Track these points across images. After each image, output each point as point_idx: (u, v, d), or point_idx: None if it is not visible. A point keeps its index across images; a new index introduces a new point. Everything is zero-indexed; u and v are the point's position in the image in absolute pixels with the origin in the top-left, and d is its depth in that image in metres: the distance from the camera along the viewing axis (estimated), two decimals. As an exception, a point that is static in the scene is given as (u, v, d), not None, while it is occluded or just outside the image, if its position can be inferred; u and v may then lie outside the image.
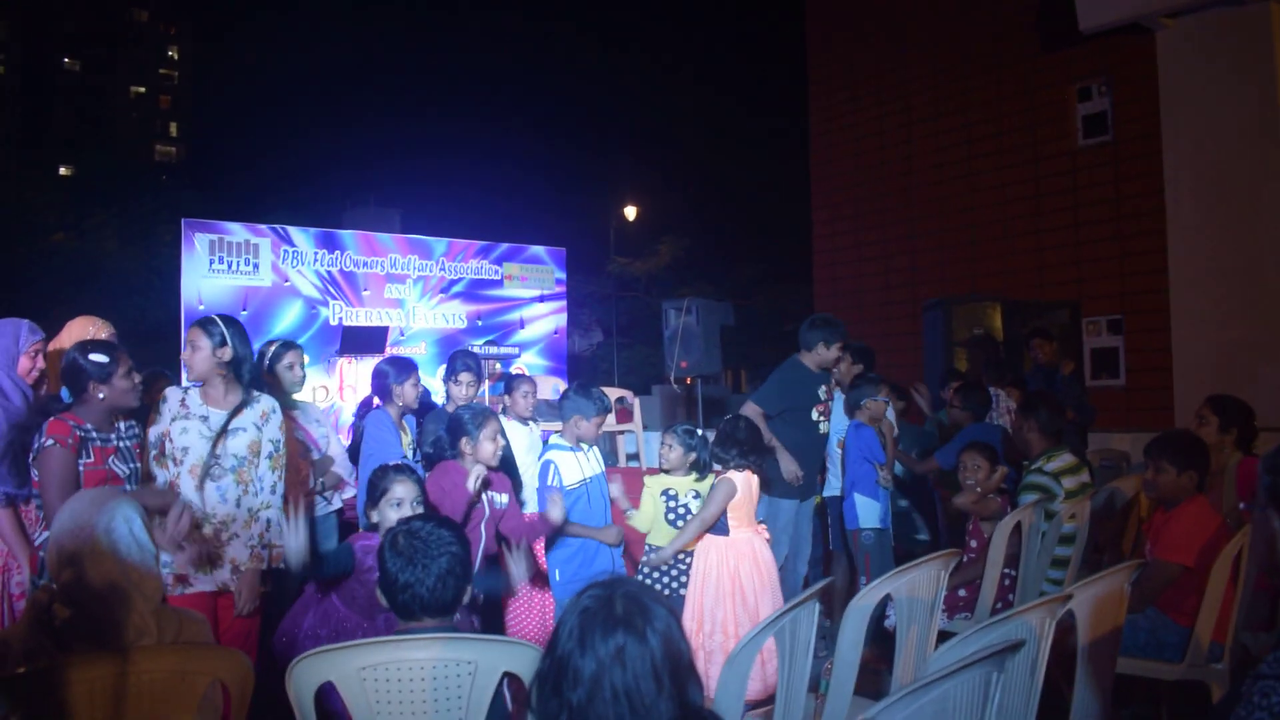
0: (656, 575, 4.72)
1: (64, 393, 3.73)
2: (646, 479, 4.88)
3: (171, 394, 3.76)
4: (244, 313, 9.39)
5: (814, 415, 5.61)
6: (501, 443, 4.16)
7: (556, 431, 4.99)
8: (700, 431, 4.97)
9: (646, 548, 4.80)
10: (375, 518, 3.67)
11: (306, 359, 5.05)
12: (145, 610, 2.40)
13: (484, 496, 4.13)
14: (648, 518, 4.76)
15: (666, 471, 4.82)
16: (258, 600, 3.77)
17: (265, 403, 3.91)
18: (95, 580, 2.36)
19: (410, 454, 4.86)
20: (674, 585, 4.69)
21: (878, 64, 15.32)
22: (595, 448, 4.84)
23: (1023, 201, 13.37)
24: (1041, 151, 13.21)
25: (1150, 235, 11.78)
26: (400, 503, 3.60)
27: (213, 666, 2.34)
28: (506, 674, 2.41)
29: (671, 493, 4.74)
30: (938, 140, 14.41)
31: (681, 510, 4.72)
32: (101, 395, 3.56)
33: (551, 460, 4.65)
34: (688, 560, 4.71)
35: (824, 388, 5.69)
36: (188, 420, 3.69)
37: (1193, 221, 11.17)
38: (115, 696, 2.19)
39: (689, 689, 1.72)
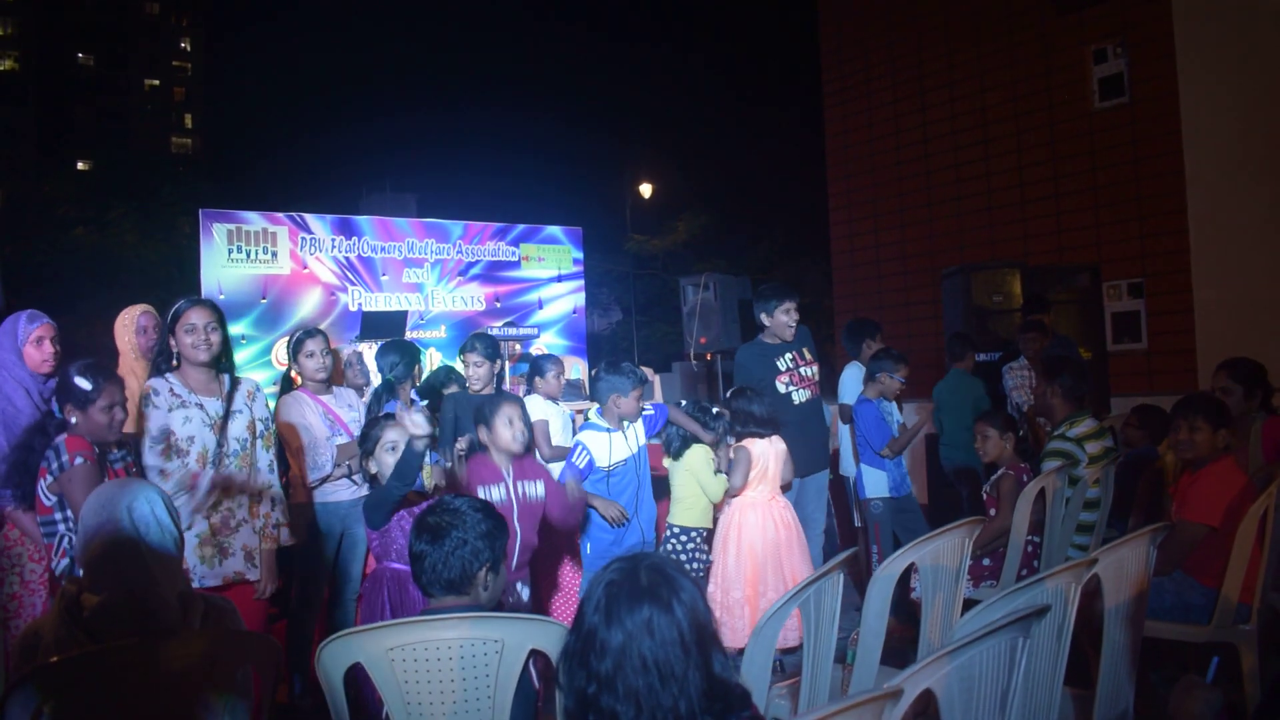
0: (679, 546, 4.74)
1: (54, 407, 3.56)
2: (693, 454, 4.88)
3: (158, 384, 3.61)
4: (263, 301, 9.45)
5: (780, 387, 5.45)
6: (520, 427, 3.98)
7: (580, 410, 5.00)
8: (715, 409, 5.00)
9: (669, 527, 4.83)
10: (373, 467, 3.70)
11: (329, 346, 5.04)
12: (171, 595, 2.42)
13: (511, 491, 3.98)
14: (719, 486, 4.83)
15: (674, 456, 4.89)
16: (278, 581, 3.79)
17: (248, 383, 3.89)
18: (123, 566, 2.38)
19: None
20: (698, 556, 4.72)
21: (891, 31, 15.18)
22: (637, 425, 4.73)
23: (1040, 166, 13.26)
24: (1058, 115, 13.08)
25: (1169, 197, 11.66)
26: (394, 446, 3.66)
27: (243, 651, 2.36)
28: (533, 652, 2.43)
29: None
30: (953, 106, 14.28)
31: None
32: (74, 420, 3.41)
33: (582, 442, 4.58)
34: (700, 536, 4.78)
35: (790, 355, 5.51)
36: (186, 409, 3.60)
37: (1212, 182, 11.05)
38: (146, 684, 2.21)
39: (714, 658, 1.74)
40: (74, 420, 3.41)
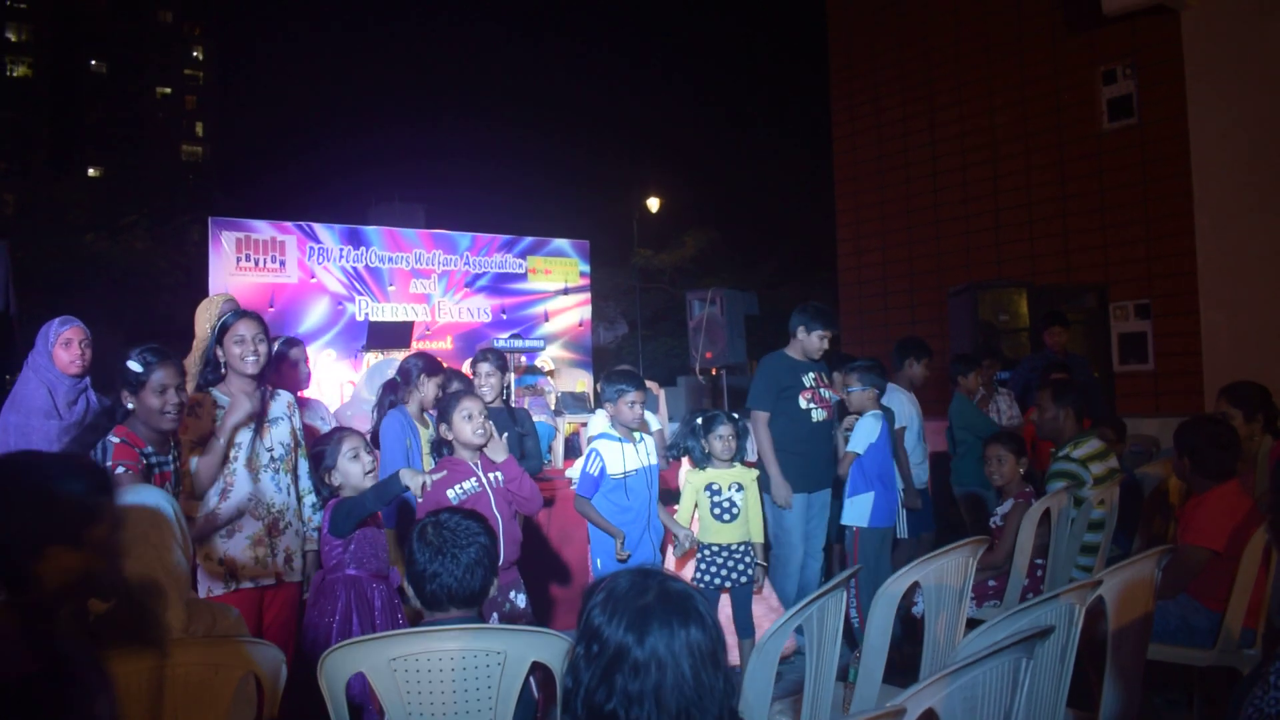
0: (716, 567, 4.70)
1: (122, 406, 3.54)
2: (689, 475, 4.86)
3: (207, 397, 3.69)
4: (270, 309, 9.48)
5: (802, 403, 5.46)
6: (480, 421, 4.02)
7: (583, 424, 5.02)
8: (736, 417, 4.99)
9: (700, 545, 4.78)
10: (338, 479, 3.80)
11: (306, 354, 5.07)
12: (178, 602, 2.42)
13: (483, 479, 4.03)
14: (687, 514, 4.78)
15: (697, 464, 4.82)
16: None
17: (285, 395, 3.97)
18: (129, 572, 2.39)
19: (428, 448, 4.88)
20: (733, 576, 4.70)
21: (900, 49, 15.22)
22: (649, 441, 4.79)
23: (1048, 186, 13.26)
24: (1066, 135, 13.08)
25: (1178, 218, 11.66)
26: (356, 452, 3.82)
27: (246, 659, 2.37)
28: (534, 664, 2.43)
29: (715, 486, 4.73)
30: (962, 125, 14.30)
31: (726, 504, 4.71)
32: (130, 405, 3.38)
33: (596, 449, 4.65)
34: (750, 554, 4.75)
35: (813, 374, 5.55)
36: None
37: (1221, 204, 11.05)
38: (151, 690, 2.22)
39: (730, 676, 1.75)
40: (130, 405, 3.37)
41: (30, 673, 1.73)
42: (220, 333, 3.70)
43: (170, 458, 3.47)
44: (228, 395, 3.69)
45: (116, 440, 3.29)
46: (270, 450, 3.75)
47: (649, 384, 10.56)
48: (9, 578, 1.83)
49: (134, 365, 3.34)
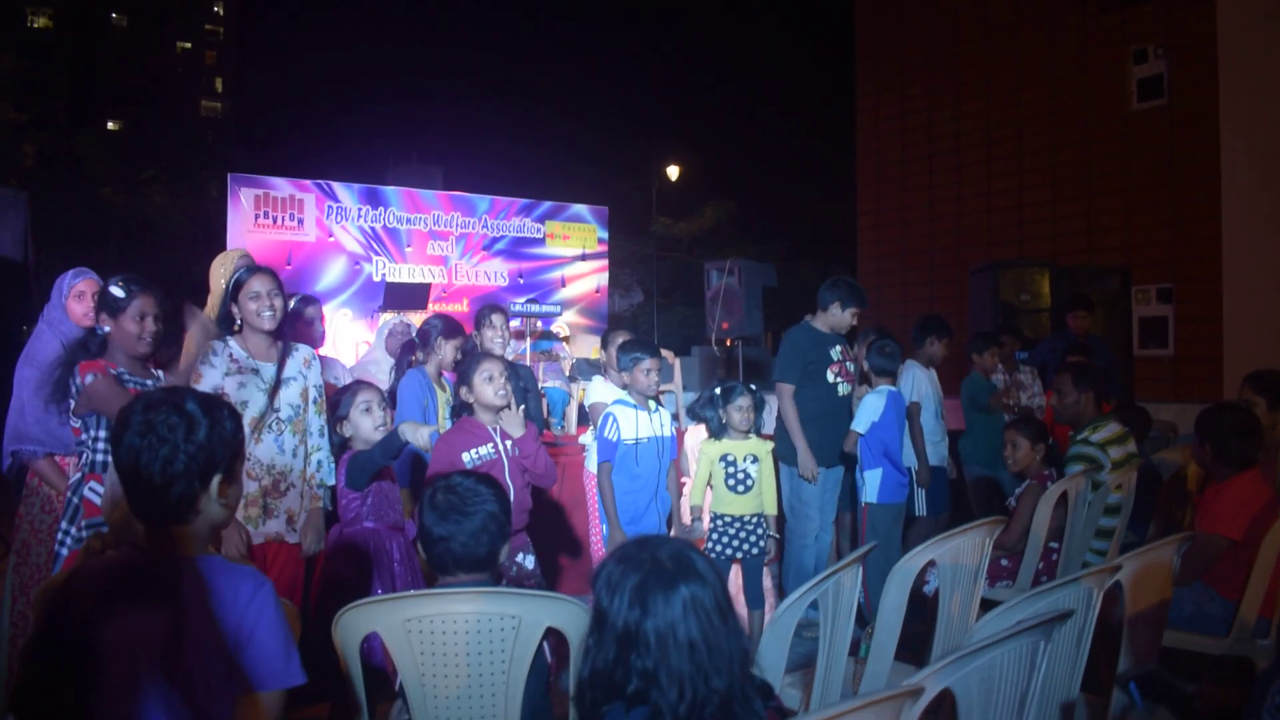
0: (728, 538, 4.71)
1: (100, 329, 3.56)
2: (704, 445, 4.85)
3: (220, 347, 3.64)
4: (288, 267, 9.49)
5: (830, 376, 5.45)
6: (501, 383, 3.89)
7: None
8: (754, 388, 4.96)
9: (711, 515, 4.79)
10: (348, 430, 3.86)
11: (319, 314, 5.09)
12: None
13: (500, 446, 3.91)
14: (702, 483, 4.78)
15: (714, 435, 4.80)
16: (323, 541, 3.81)
17: (304, 350, 3.91)
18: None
19: (445, 411, 4.86)
20: (744, 547, 4.70)
21: (928, 24, 15.05)
22: (664, 414, 4.79)
23: (1073, 165, 13.13)
24: (1094, 114, 12.94)
25: (1204, 202, 11.53)
26: (369, 406, 3.86)
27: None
28: (548, 629, 2.42)
29: (730, 457, 4.73)
30: (988, 101, 14.16)
31: (741, 475, 4.71)
32: (106, 328, 3.44)
33: (612, 413, 4.68)
34: (762, 525, 4.75)
35: (838, 348, 5.54)
36: (242, 375, 3.63)
37: (1249, 188, 10.92)
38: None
39: (740, 629, 1.76)
40: (107, 328, 3.43)
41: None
42: (235, 289, 3.68)
43: (150, 383, 3.50)
44: (245, 351, 3.68)
45: (83, 360, 3.37)
46: (277, 411, 3.70)
47: (664, 353, 10.56)
48: (179, 505, 1.89)
49: (116, 290, 3.43)
